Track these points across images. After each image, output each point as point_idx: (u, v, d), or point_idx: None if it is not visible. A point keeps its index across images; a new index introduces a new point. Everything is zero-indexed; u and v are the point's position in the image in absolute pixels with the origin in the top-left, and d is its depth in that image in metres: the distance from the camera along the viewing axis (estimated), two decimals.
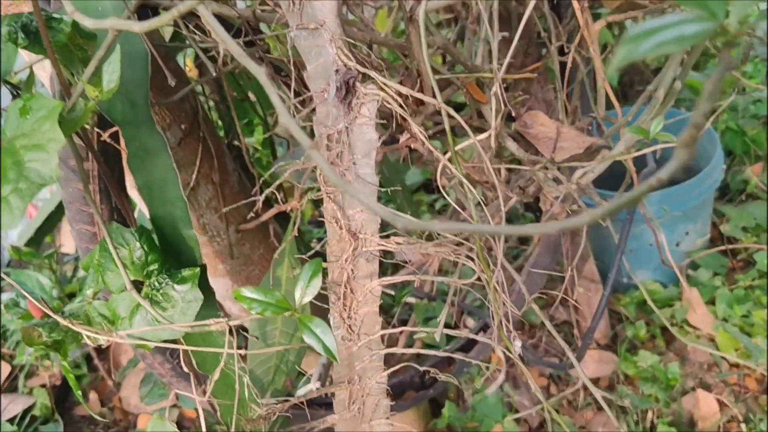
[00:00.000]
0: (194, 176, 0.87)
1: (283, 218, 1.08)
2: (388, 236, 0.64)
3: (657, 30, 0.23)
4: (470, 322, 1.50)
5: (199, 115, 0.87)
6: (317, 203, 1.49)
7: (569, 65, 0.94)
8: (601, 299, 1.01)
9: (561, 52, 1.04)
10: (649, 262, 1.72)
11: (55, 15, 0.48)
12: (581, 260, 1.56)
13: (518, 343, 0.63)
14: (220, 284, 1.01)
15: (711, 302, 1.63)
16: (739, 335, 1.51)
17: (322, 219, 0.72)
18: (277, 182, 0.65)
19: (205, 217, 0.91)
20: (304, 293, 0.51)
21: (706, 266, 1.69)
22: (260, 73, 0.33)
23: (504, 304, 0.63)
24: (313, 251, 0.71)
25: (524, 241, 1.70)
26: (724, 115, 1.90)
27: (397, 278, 0.65)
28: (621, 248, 1.01)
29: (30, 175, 0.43)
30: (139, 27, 0.35)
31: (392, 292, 1.17)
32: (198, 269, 0.60)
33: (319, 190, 0.65)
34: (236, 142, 0.98)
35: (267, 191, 0.69)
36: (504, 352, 1.65)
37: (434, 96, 0.61)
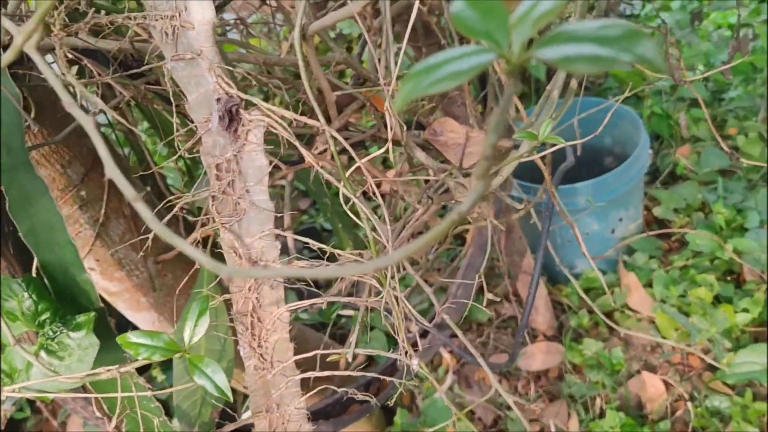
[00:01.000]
0: (103, 211, 0.85)
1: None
2: (290, 261, 0.63)
3: (437, 65, 0.23)
4: (413, 326, 1.50)
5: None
6: None
7: None
8: (527, 297, 1.02)
9: None
10: (587, 250, 1.75)
11: None
12: (519, 256, 1.57)
13: (415, 361, 0.63)
14: (144, 318, 0.98)
15: (649, 285, 1.67)
16: (677, 315, 1.55)
17: None
18: (168, 215, 0.64)
19: (120, 251, 0.89)
20: (193, 332, 0.50)
21: (641, 250, 1.73)
22: (88, 122, 0.33)
23: (406, 318, 0.63)
24: (218, 278, 0.70)
25: (460, 240, 1.72)
26: (649, 101, 1.95)
27: (304, 303, 0.64)
28: (543, 243, 1.02)
29: None
30: None
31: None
32: (93, 314, 0.58)
33: None
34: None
35: (164, 222, 0.67)
36: (450, 354, 1.64)
37: (341, 113, 0.60)
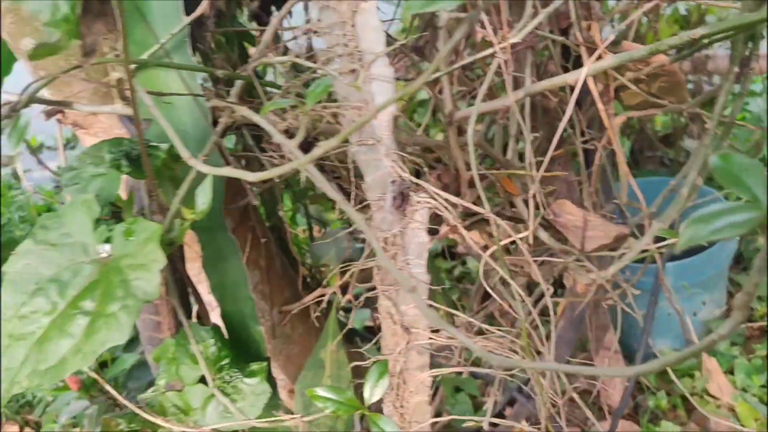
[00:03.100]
0: (243, 262, 0.92)
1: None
2: (439, 330, 0.68)
3: (714, 216, 0.29)
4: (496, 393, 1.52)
5: (249, 205, 0.93)
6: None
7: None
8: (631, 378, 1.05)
9: (581, 134, 1.11)
10: (668, 331, 1.75)
11: (152, 143, 0.54)
12: (601, 330, 1.59)
13: None
14: None
15: (730, 372, 1.66)
16: (758, 405, 1.53)
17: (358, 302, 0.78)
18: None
19: (253, 300, 0.97)
20: (372, 392, 0.56)
21: None
22: (344, 203, 0.39)
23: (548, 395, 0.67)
24: (371, 343, 0.76)
25: (545, 312, 1.74)
26: None
27: (448, 370, 0.69)
28: (648, 324, 1.05)
29: (136, 292, 0.49)
30: (253, 177, 0.41)
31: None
32: (266, 363, 0.64)
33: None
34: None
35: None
36: (528, 422, 1.65)
37: (480, 203, 0.66)
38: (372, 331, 1.49)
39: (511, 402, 1.36)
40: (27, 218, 2.58)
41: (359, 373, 0.87)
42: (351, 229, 0.72)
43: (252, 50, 0.95)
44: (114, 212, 0.56)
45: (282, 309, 1.02)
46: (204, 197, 0.53)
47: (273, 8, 1.02)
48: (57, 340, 0.49)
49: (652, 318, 1.04)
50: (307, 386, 0.91)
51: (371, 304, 1.74)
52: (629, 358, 1.82)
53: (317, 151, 0.45)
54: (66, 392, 1.52)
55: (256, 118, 0.51)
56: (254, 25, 1.02)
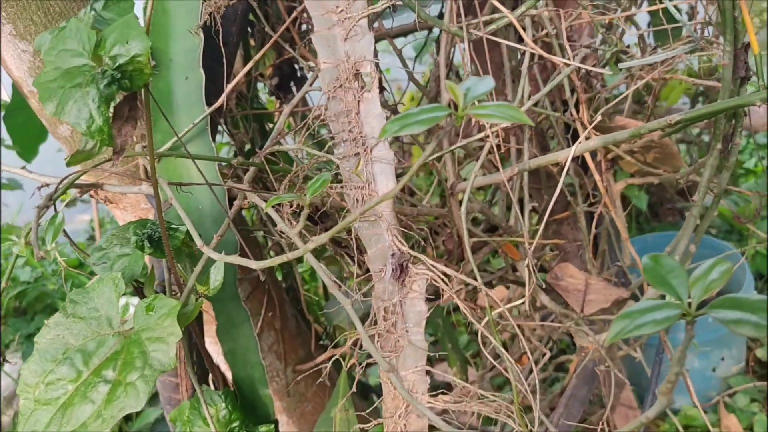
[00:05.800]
0: (259, 324, 0.98)
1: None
2: (437, 395, 0.72)
3: (639, 312, 0.33)
4: None
5: (265, 270, 0.99)
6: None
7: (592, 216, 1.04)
8: None
9: (586, 199, 1.15)
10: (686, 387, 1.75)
11: (173, 225, 0.60)
12: (618, 387, 1.60)
13: None
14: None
15: (749, 429, 1.65)
16: None
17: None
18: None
19: (267, 360, 1.01)
20: None
21: (743, 392, 1.71)
22: (335, 288, 0.44)
23: None
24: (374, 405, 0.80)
25: (560, 367, 1.75)
26: (753, 240, 1.97)
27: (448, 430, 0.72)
28: (654, 381, 1.07)
29: (153, 363, 0.54)
30: (257, 265, 0.46)
31: None
32: (273, 426, 0.69)
33: None
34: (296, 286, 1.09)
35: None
36: None
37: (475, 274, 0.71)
38: None
39: None
40: (57, 271, 2.65)
41: None
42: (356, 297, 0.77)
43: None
44: (135, 286, 0.61)
45: (296, 368, 1.06)
46: (217, 276, 0.59)
47: (292, 84, 1.10)
48: (80, 406, 0.54)
49: (658, 375, 1.06)
50: None
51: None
52: None
53: (322, 237, 0.50)
54: None
55: (263, 206, 0.57)
56: (274, 99, 1.09)
